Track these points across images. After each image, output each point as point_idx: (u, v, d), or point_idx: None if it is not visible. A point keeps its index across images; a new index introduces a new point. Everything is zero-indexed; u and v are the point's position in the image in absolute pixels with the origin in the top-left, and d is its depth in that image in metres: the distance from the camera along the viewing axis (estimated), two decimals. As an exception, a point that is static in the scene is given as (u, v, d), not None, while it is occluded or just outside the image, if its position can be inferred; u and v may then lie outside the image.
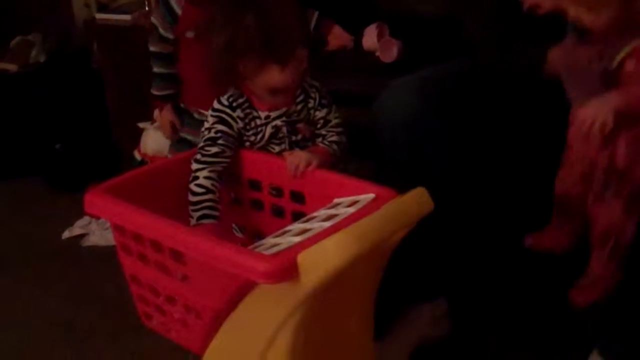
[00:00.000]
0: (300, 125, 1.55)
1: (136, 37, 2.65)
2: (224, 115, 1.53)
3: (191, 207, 1.48)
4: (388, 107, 1.67)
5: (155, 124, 2.46)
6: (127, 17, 2.69)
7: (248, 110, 1.53)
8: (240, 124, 1.53)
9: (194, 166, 1.51)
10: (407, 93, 1.66)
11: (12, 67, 3.16)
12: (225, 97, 1.53)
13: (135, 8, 2.75)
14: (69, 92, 2.93)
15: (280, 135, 1.54)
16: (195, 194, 1.48)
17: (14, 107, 2.96)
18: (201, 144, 1.52)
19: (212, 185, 1.49)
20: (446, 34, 1.91)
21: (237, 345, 1.23)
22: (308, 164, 1.45)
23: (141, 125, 2.51)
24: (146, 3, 2.75)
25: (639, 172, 1.49)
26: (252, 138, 1.55)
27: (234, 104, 1.53)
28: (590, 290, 1.60)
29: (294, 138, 1.55)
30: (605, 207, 1.53)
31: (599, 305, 1.60)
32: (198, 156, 1.51)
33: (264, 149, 1.57)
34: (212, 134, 1.52)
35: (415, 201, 1.21)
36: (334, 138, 1.56)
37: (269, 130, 1.54)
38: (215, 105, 1.54)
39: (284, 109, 1.53)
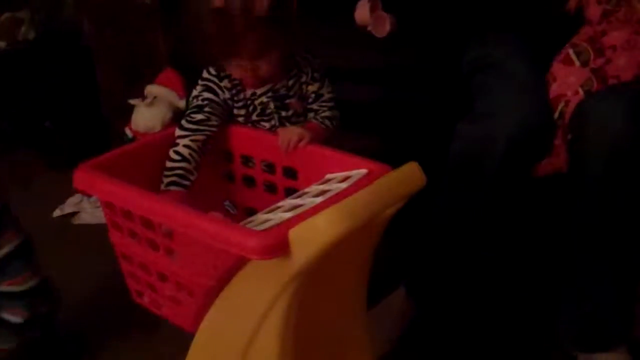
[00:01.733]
0: (291, 101, 1.54)
1: (128, 14, 2.62)
2: (210, 84, 1.52)
3: (164, 173, 1.47)
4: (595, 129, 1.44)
5: (146, 101, 2.45)
6: (117, -8, 2.66)
7: (236, 82, 1.52)
8: (227, 95, 1.52)
9: (177, 132, 1.49)
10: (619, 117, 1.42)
11: (0, 44, 3.13)
12: (214, 67, 1.52)
13: (126, -16, 2.72)
14: (59, 69, 2.90)
15: (268, 111, 1.53)
16: (171, 160, 1.47)
17: (3, 85, 2.93)
18: (187, 112, 1.51)
19: (190, 154, 1.47)
20: (440, 7, 1.87)
21: (230, 322, 1.22)
22: (300, 140, 1.43)
23: (132, 102, 2.49)
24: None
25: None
26: (242, 112, 1.53)
27: (222, 74, 1.52)
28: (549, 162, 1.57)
29: (284, 114, 1.53)
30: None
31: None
32: (183, 122, 1.50)
33: (255, 125, 1.55)
34: (199, 102, 1.51)
35: (408, 176, 1.20)
36: (327, 113, 1.55)
37: (257, 106, 1.52)
38: (204, 74, 1.53)
39: (270, 85, 1.51)
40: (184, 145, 1.47)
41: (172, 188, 1.45)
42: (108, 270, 2.00)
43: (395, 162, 1.28)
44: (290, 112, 1.54)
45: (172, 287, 1.34)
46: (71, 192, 2.46)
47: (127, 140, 2.48)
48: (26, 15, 3.12)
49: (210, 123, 1.50)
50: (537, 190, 1.63)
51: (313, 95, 1.54)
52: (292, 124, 1.53)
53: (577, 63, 1.51)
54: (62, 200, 2.46)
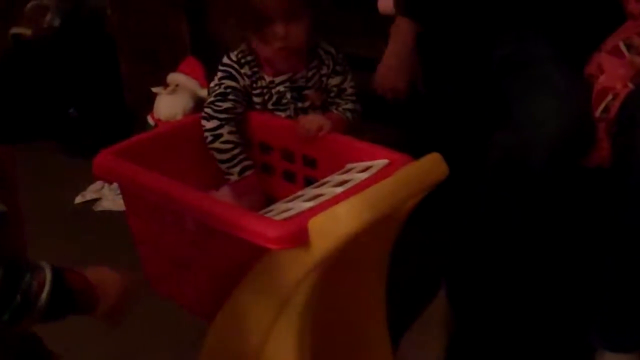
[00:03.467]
0: (309, 92, 1.52)
1: (151, 2, 2.62)
2: (231, 70, 1.51)
3: (226, 165, 1.48)
4: None
5: (169, 89, 2.44)
6: (141, -20, 2.66)
7: (256, 69, 1.51)
8: (247, 81, 1.51)
9: (211, 124, 1.48)
10: None
11: (26, 32, 3.14)
12: (235, 52, 1.51)
13: (150, -28, 2.72)
14: (83, 56, 2.92)
15: (284, 101, 1.52)
16: (224, 151, 1.48)
17: (29, 72, 2.95)
18: (211, 99, 1.50)
19: (238, 138, 1.49)
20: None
21: (248, 311, 1.21)
22: (320, 128, 1.42)
23: (155, 89, 2.49)
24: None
25: None
26: (259, 99, 1.52)
27: (242, 61, 1.50)
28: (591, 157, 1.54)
29: (300, 105, 1.52)
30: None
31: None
32: (210, 111, 1.49)
33: (272, 113, 1.54)
34: (222, 89, 1.50)
35: (430, 167, 1.18)
36: (349, 106, 1.54)
37: (274, 95, 1.51)
38: (225, 60, 1.52)
39: (288, 74, 1.50)
40: (229, 133, 1.48)
41: (247, 173, 1.48)
42: (128, 257, 2.02)
43: (416, 153, 1.27)
44: (307, 104, 1.53)
45: (190, 275, 1.34)
46: (93, 179, 2.46)
47: (149, 128, 2.48)
48: (51, 3, 3.14)
49: (236, 110, 1.50)
50: (579, 186, 1.60)
51: (335, 89, 1.53)
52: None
53: (628, 56, 1.48)
54: (83, 187, 2.47)
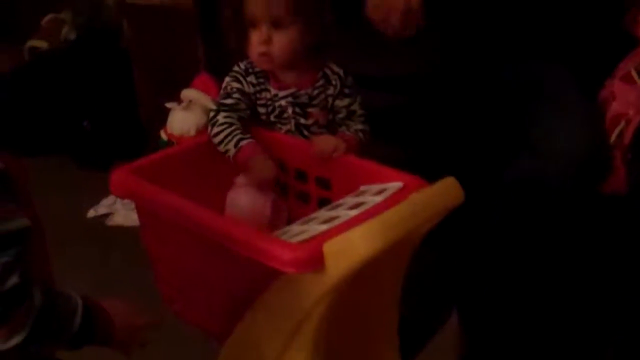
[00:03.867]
0: (312, 110, 1.53)
1: (166, 18, 2.65)
2: (238, 76, 1.52)
3: (222, 144, 1.46)
4: None
5: (182, 104, 2.46)
6: (157, -3, 2.68)
7: (262, 80, 1.52)
8: (252, 90, 1.52)
9: (211, 114, 1.50)
10: None
11: (43, 45, 3.18)
12: (245, 62, 1.53)
13: (166, -12, 2.74)
14: (98, 70, 2.94)
15: (286, 115, 1.53)
16: (218, 133, 1.47)
17: (44, 84, 2.98)
18: (218, 100, 1.53)
19: (235, 121, 1.48)
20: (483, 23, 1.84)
21: (261, 333, 1.22)
22: (335, 150, 1.43)
23: (168, 105, 2.50)
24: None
25: None
26: (263, 110, 1.53)
27: (250, 70, 1.52)
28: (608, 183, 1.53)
29: (302, 121, 1.53)
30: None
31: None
32: (214, 106, 1.52)
33: (273, 126, 1.55)
34: (227, 90, 1.52)
35: (446, 192, 1.18)
36: (359, 126, 1.54)
37: (277, 108, 1.53)
38: (234, 67, 1.53)
39: (292, 90, 1.51)
40: (225, 117, 1.48)
41: (243, 143, 1.45)
42: (139, 272, 2.03)
43: (427, 175, 1.28)
44: (310, 121, 1.53)
45: (204, 294, 1.34)
46: (105, 193, 2.48)
47: (161, 143, 2.50)
48: (68, 16, 3.18)
49: (240, 107, 1.50)
50: (595, 213, 1.60)
51: (344, 110, 1.53)
52: (311, 132, 1.53)
53: (639, 82, 1.49)
54: (96, 201, 2.48)
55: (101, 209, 2.45)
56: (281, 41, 1.44)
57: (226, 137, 1.46)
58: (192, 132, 2.42)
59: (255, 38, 1.44)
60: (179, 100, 2.50)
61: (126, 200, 2.41)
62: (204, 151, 1.53)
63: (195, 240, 1.26)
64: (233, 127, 1.47)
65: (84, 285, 2.02)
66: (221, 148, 1.48)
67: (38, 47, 3.18)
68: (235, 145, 1.45)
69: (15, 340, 0.89)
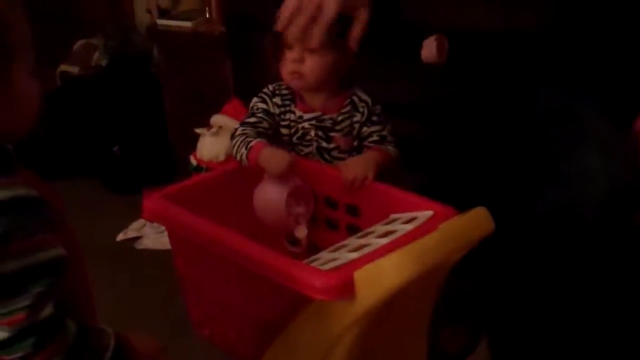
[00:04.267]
0: (335, 135, 1.55)
1: (196, 44, 2.68)
2: (265, 97, 1.58)
3: (237, 153, 1.50)
4: None
5: (212, 130, 2.48)
6: (188, 24, 2.72)
7: (287, 102, 1.56)
8: (276, 110, 1.56)
9: (232, 132, 1.55)
10: None
11: (74, 70, 3.22)
12: (273, 85, 1.58)
13: (197, 15, 2.78)
14: (128, 95, 2.97)
15: (308, 137, 1.55)
16: (234, 145, 1.51)
17: (75, 109, 3.02)
18: (242, 120, 1.58)
19: (250, 131, 1.52)
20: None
21: (290, 359, 1.22)
22: (364, 178, 1.44)
23: (198, 130, 2.53)
24: (207, 10, 2.77)
25: None
26: (286, 131, 1.57)
27: (276, 92, 1.57)
28: None
29: (324, 145, 1.55)
30: None
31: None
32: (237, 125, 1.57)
33: (295, 148, 1.58)
34: (252, 110, 1.57)
35: (476, 222, 1.19)
36: (391, 148, 1.55)
37: (300, 130, 1.55)
38: (263, 89, 1.59)
39: (317, 113, 1.54)
40: (242, 130, 1.52)
41: (253, 143, 1.48)
42: (167, 295, 2.05)
43: (450, 202, 1.28)
44: (331, 145, 1.55)
45: (234, 320, 1.35)
46: (135, 216, 2.50)
47: (191, 168, 2.52)
48: (99, 42, 3.22)
49: (261, 125, 1.54)
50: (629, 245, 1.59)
51: (375, 135, 1.54)
52: (332, 157, 1.56)
53: None
54: (125, 225, 2.50)
55: (130, 232, 2.47)
56: (313, 63, 1.47)
57: (240, 144, 1.50)
58: (222, 158, 2.43)
59: (289, 57, 1.47)
60: (208, 126, 2.52)
61: (155, 224, 2.43)
62: (234, 177, 1.56)
63: (226, 265, 1.27)
64: (246, 135, 1.51)
65: (111, 308, 2.06)
66: (237, 157, 1.51)
67: (69, 72, 3.23)
68: (246, 147, 1.49)
69: None
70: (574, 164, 1.45)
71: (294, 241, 1.62)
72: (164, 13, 2.95)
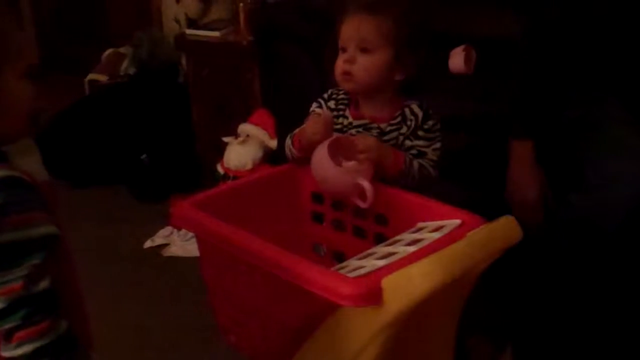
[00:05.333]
0: None
1: (224, 53, 2.71)
2: (321, 101, 1.60)
3: (287, 148, 1.54)
4: None
5: (239, 139, 2.50)
6: (216, 33, 2.74)
7: (341, 107, 1.57)
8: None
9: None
10: None
11: (102, 78, 3.27)
12: (330, 90, 1.60)
13: (225, 25, 2.80)
14: (156, 104, 3.00)
15: None
16: (286, 147, 1.55)
17: (103, 117, 3.05)
18: None
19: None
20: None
21: (317, 366, 1.23)
22: (365, 157, 1.42)
23: (225, 139, 2.55)
24: (235, 20, 2.79)
25: None
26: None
27: (333, 96, 1.59)
28: None
29: None
30: None
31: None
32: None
33: None
34: (310, 116, 1.58)
35: (504, 230, 1.19)
36: (422, 162, 1.49)
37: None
38: (323, 94, 1.61)
39: (365, 121, 1.53)
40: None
41: (295, 130, 1.52)
42: (193, 302, 2.06)
43: (485, 213, 1.28)
44: None
45: (261, 326, 1.36)
46: (162, 224, 2.53)
47: (218, 176, 2.54)
48: (128, 51, 3.26)
49: None
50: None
51: (415, 150, 1.50)
52: None
53: None
54: (153, 232, 2.53)
55: (158, 239, 2.50)
56: (364, 63, 1.46)
57: (287, 142, 1.54)
58: (249, 167, 2.46)
59: (342, 58, 1.48)
60: (236, 134, 2.54)
61: (182, 232, 2.45)
62: (262, 185, 1.57)
63: (253, 272, 1.28)
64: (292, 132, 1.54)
65: (137, 314, 2.09)
66: (289, 154, 1.54)
67: (98, 81, 3.27)
68: (291, 137, 1.53)
69: (26, 348, 0.92)
70: (598, 172, 1.45)
71: (320, 249, 1.63)
72: (192, 23, 2.99)
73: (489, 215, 1.26)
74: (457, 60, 2.18)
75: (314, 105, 1.60)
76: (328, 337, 1.20)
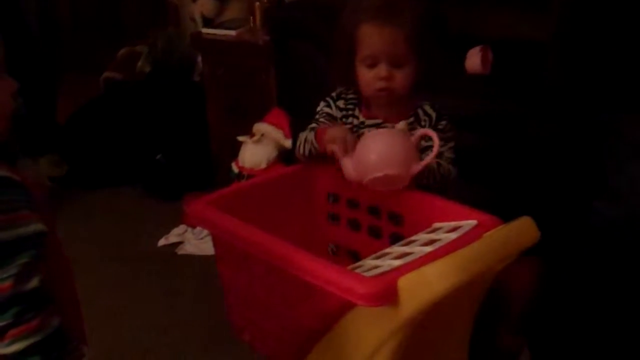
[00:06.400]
0: None
1: (240, 52, 2.70)
2: (330, 100, 1.59)
3: (307, 144, 1.53)
4: None
5: (254, 138, 2.50)
6: (232, 32, 2.74)
7: (351, 106, 1.57)
8: (339, 114, 1.57)
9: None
10: None
11: (118, 76, 3.27)
12: (340, 89, 1.59)
13: (240, 24, 2.80)
14: (171, 102, 3.01)
15: None
16: (301, 143, 1.54)
17: (118, 115, 3.06)
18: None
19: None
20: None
21: (332, 365, 1.23)
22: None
23: (240, 138, 2.55)
24: (251, 19, 2.79)
25: None
26: None
27: (341, 96, 1.59)
28: None
29: None
30: None
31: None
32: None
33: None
34: (317, 115, 1.59)
35: (521, 231, 1.18)
36: (440, 161, 1.47)
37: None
38: (331, 93, 1.60)
39: (379, 120, 1.53)
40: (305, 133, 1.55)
41: (317, 128, 1.52)
42: (206, 300, 2.07)
43: (501, 213, 1.27)
44: None
45: (276, 325, 1.36)
46: (176, 222, 2.53)
47: (232, 175, 2.54)
48: (143, 49, 3.27)
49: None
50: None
51: (430, 151, 1.50)
52: None
53: None
54: (167, 230, 2.53)
55: (172, 237, 2.50)
56: (402, 78, 1.46)
57: (304, 137, 1.53)
58: (263, 166, 2.45)
59: (374, 75, 1.47)
60: (250, 133, 2.54)
61: (197, 230, 2.46)
62: (276, 184, 1.57)
63: (268, 270, 1.28)
64: (309, 130, 1.54)
65: (150, 311, 2.09)
66: (306, 148, 1.53)
67: (113, 79, 3.27)
68: (311, 130, 1.53)
69: (18, 346, 0.93)
70: (624, 180, 1.44)
71: (336, 249, 1.63)
72: (208, 22, 2.99)
73: (504, 215, 1.26)
74: (474, 60, 2.19)
75: (322, 104, 1.60)
76: (343, 336, 1.19)
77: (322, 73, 2.18)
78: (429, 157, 1.38)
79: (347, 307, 1.15)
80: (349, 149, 1.43)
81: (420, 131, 1.44)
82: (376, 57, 1.45)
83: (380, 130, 1.49)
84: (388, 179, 1.38)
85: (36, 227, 0.96)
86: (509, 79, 2.02)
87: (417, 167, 1.39)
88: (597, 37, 1.68)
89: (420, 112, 1.52)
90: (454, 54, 2.21)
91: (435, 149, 1.37)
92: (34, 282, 0.94)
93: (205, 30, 2.87)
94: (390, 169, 1.37)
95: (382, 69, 1.45)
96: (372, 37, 1.45)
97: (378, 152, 1.38)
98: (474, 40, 2.20)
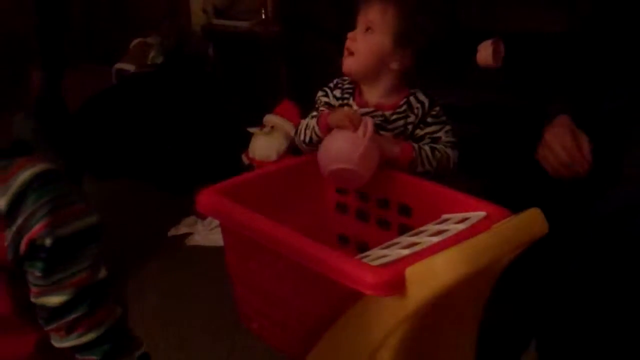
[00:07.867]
0: (385, 134, 1.54)
1: (252, 44, 2.71)
2: (327, 90, 1.63)
3: (308, 130, 1.54)
4: None
5: (264, 130, 2.51)
6: (244, 23, 2.75)
7: (347, 95, 1.59)
8: (335, 102, 1.60)
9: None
10: None
11: (130, 68, 3.28)
12: (336, 79, 1.63)
13: (252, 15, 2.81)
14: (182, 93, 3.01)
15: None
16: (302, 129, 1.56)
17: (130, 106, 3.06)
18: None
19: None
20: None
21: (339, 355, 1.23)
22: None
23: (251, 130, 2.55)
24: (263, 11, 2.79)
25: None
26: None
27: (338, 85, 1.62)
28: None
29: None
30: None
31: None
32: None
33: None
34: (316, 105, 1.62)
35: (530, 223, 1.18)
36: (436, 146, 1.51)
37: None
38: (328, 83, 1.64)
39: (370, 109, 1.55)
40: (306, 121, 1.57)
41: (319, 113, 1.54)
42: (215, 291, 2.07)
43: (509, 204, 1.27)
44: None
45: (283, 314, 1.36)
46: (186, 213, 2.54)
47: (242, 166, 2.54)
48: (155, 41, 3.27)
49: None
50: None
51: (427, 138, 1.53)
52: None
53: None
54: (177, 221, 2.54)
55: (182, 228, 2.51)
56: (365, 41, 1.51)
57: (307, 124, 1.55)
58: (274, 157, 2.46)
59: (349, 37, 1.53)
60: (261, 125, 2.54)
61: (207, 221, 2.46)
62: (287, 174, 1.57)
63: (277, 260, 1.28)
64: (310, 116, 1.56)
65: (160, 301, 2.10)
66: (307, 135, 1.54)
67: (125, 70, 3.28)
68: (312, 117, 1.55)
69: (93, 335, 0.94)
70: (636, 166, 1.43)
71: (344, 239, 1.63)
72: (220, 13, 2.99)
73: (514, 207, 1.26)
74: (485, 53, 2.18)
75: (320, 93, 1.63)
76: (350, 326, 1.20)
77: (333, 65, 2.18)
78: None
79: (354, 296, 1.15)
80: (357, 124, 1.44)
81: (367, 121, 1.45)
82: (357, 25, 1.52)
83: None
84: (345, 173, 1.42)
85: (97, 217, 0.96)
86: (520, 71, 2.01)
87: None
88: (615, 27, 1.67)
89: (412, 99, 1.54)
90: (465, 46, 2.20)
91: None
92: (103, 272, 0.96)
93: (216, 22, 2.89)
94: (345, 163, 1.41)
95: (353, 32, 1.53)
96: (359, 12, 1.53)
97: (338, 147, 1.44)
98: (485, 34, 2.19)
